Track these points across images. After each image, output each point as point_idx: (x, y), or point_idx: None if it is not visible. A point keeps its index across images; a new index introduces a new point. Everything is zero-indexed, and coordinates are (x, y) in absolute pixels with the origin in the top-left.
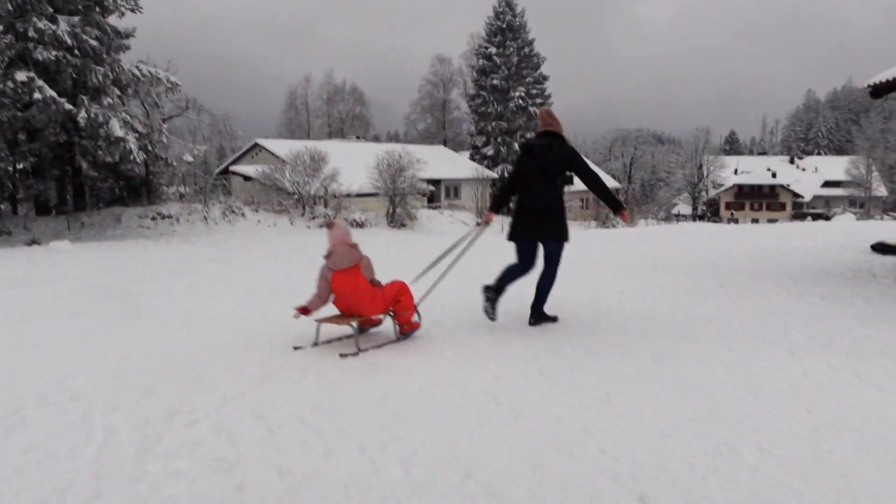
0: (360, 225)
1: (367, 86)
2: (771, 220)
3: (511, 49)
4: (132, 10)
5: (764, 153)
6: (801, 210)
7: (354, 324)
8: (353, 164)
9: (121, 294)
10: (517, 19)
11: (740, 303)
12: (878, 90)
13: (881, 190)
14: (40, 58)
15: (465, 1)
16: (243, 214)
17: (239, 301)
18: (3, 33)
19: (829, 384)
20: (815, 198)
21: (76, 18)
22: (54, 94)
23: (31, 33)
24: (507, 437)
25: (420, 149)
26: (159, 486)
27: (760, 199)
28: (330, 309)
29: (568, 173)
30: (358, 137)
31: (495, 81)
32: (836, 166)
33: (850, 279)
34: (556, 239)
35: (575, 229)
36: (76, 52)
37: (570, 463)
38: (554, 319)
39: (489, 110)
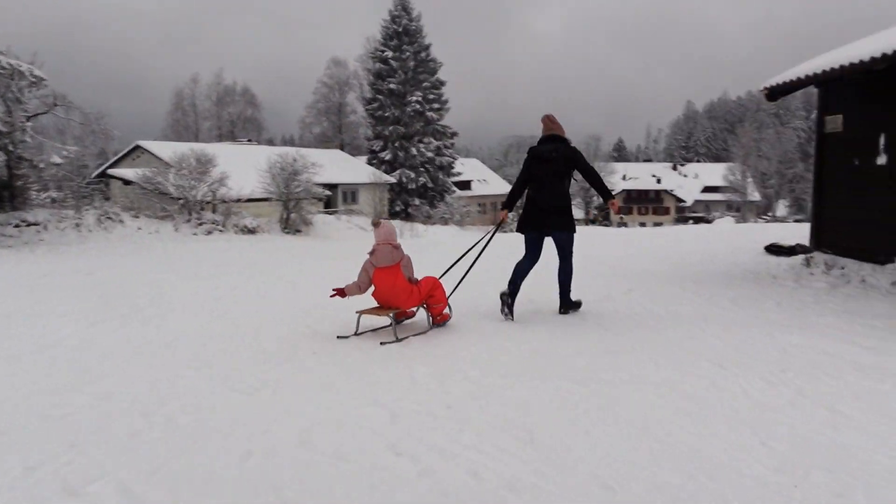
0: (252, 231)
1: (260, 88)
2: (657, 224)
3: (408, 53)
4: None
5: (649, 160)
6: (684, 214)
7: (392, 315)
8: (244, 167)
9: None
10: (413, 23)
11: (652, 309)
12: (774, 92)
13: (755, 195)
14: None
15: (360, 3)
16: (122, 221)
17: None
18: None
19: (775, 405)
20: (697, 202)
21: None
22: None
23: None
24: None
25: (316, 152)
26: None
27: (647, 204)
28: (368, 301)
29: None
30: (250, 140)
31: (392, 85)
32: (714, 173)
33: (752, 281)
34: (567, 231)
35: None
36: None
37: None
38: (579, 305)
39: (386, 114)
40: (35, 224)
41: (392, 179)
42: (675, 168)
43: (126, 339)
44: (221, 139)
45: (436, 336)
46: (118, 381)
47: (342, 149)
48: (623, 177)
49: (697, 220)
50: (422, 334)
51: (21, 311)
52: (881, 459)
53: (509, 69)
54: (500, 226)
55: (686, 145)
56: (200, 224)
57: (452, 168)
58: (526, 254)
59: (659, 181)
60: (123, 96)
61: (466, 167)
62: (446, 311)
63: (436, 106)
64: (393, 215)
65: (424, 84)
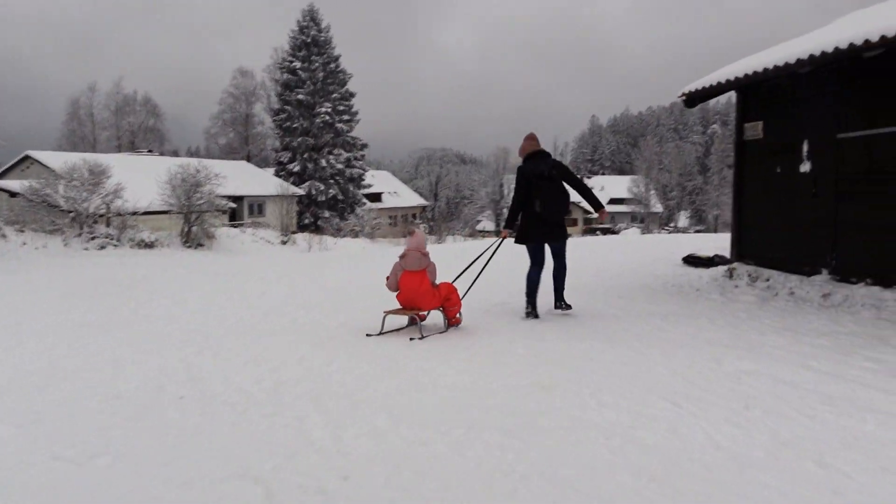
0: (150, 245)
1: (163, 98)
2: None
3: (317, 64)
4: None
5: None
6: (591, 225)
7: (415, 315)
8: (142, 179)
9: None
10: (322, 34)
11: (582, 329)
12: (692, 99)
13: (658, 206)
14: None
15: (267, 13)
16: (3, 235)
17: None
18: None
19: (753, 459)
20: None
21: None
22: None
23: None
24: None
25: (220, 163)
26: None
27: None
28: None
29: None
30: (150, 151)
31: (300, 96)
32: (619, 185)
33: (677, 295)
34: (564, 239)
35: (377, 250)
36: None
37: None
38: (570, 307)
39: (294, 126)
40: None
41: (301, 191)
42: (582, 180)
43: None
44: (121, 150)
45: (452, 334)
46: None
47: (249, 160)
48: None
49: (605, 232)
50: (439, 333)
51: None
52: None
53: (418, 82)
54: (501, 242)
55: (592, 158)
56: (93, 238)
57: (363, 180)
58: (534, 264)
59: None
60: (13, 105)
61: (377, 179)
62: (458, 315)
63: (345, 117)
64: (302, 228)
65: (334, 95)
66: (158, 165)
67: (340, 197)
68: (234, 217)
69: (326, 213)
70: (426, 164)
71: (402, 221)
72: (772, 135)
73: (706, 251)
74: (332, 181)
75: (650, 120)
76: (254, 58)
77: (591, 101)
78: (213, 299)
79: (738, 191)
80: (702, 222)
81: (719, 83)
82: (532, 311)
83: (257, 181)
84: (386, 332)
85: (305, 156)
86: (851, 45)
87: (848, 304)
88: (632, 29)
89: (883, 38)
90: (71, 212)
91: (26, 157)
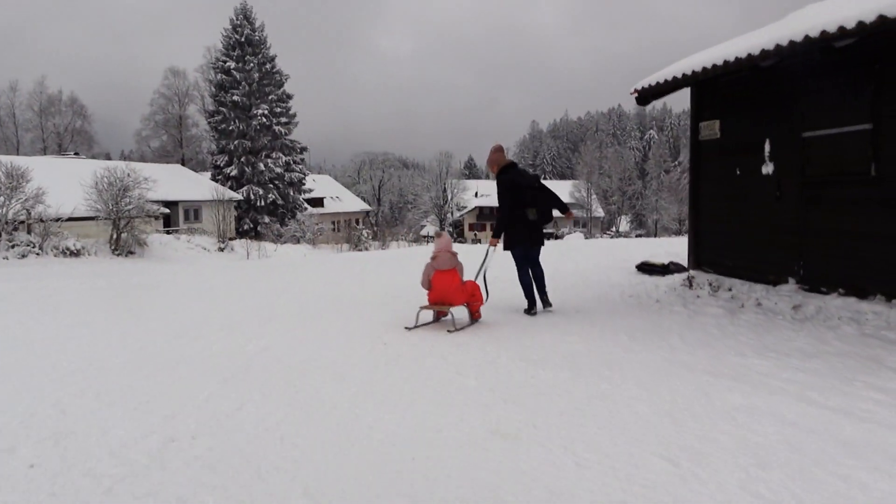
0: (75, 254)
1: (91, 98)
2: None
3: (252, 64)
4: None
5: None
6: None
7: (450, 310)
8: (67, 183)
9: None
10: (256, 34)
11: (542, 352)
12: (645, 95)
13: (599, 211)
14: None
15: (198, 12)
16: None
17: None
18: None
19: None
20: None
21: None
22: None
23: None
24: None
25: (151, 167)
26: None
27: None
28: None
29: None
30: (77, 154)
31: (236, 97)
32: (561, 190)
33: (637, 307)
34: (542, 245)
35: (324, 255)
36: None
37: None
38: (551, 305)
39: (231, 128)
40: None
41: (238, 196)
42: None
43: None
44: (47, 153)
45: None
46: None
47: (184, 164)
48: (475, 194)
49: (548, 236)
50: (468, 326)
51: None
52: None
53: (359, 86)
54: (492, 251)
55: (533, 163)
56: (13, 246)
57: (303, 184)
58: (523, 268)
59: None
60: None
61: (319, 184)
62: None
63: (283, 120)
64: (241, 234)
65: (271, 97)
66: (85, 169)
67: (280, 202)
68: (168, 223)
69: (266, 219)
70: (368, 168)
71: (345, 227)
72: (730, 134)
73: (659, 258)
74: (271, 185)
75: (589, 125)
76: (186, 57)
77: (531, 105)
78: (119, 320)
79: (694, 195)
80: (642, 227)
81: (675, 78)
82: (532, 308)
83: (192, 185)
84: (420, 326)
85: (243, 159)
86: (823, 33)
87: (823, 318)
88: (568, 35)
89: (860, 23)
90: None
91: None
